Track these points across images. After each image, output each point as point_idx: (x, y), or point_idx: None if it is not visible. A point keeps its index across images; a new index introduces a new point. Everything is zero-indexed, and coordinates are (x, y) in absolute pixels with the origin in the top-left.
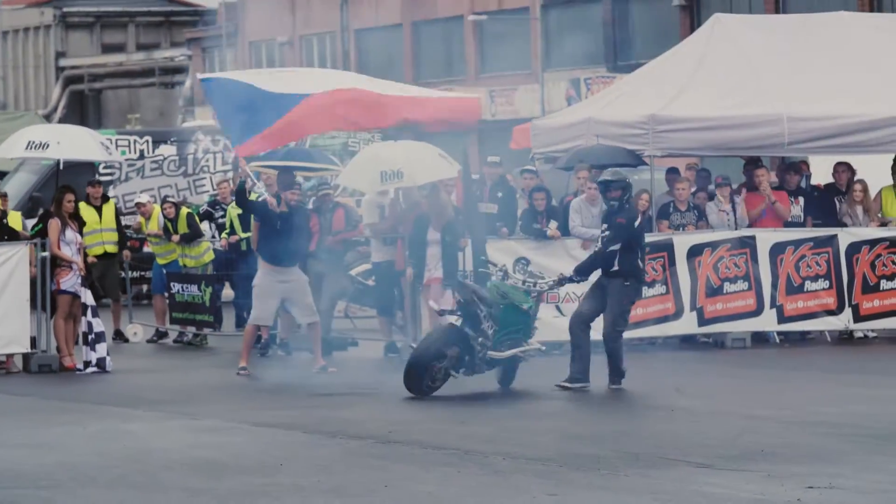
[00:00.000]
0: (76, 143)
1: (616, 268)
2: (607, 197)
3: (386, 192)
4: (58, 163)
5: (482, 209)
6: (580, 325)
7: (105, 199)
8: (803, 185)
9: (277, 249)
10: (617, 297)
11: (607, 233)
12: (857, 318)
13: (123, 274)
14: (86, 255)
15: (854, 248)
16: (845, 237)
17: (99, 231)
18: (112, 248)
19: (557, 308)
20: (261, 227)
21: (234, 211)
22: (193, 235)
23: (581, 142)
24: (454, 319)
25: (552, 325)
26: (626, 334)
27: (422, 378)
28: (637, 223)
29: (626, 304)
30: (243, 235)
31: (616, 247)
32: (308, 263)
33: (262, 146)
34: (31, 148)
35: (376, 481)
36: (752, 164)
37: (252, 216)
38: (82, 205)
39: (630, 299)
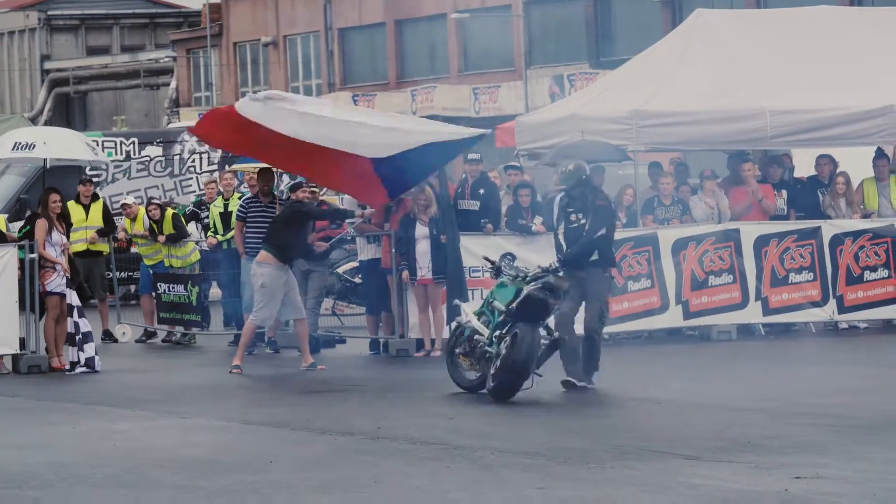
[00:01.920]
0: (62, 144)
1: (595, 257)
2: (573, 195)
3: None
4: (44, 163)
5: (463, 206)
6: (567, 325)
7: (95, 197)
8: (786, 178)
9: (292, 247)
10: (598, 287)
11: (584, 220)
12: (842, 309)
13: (111, 274)
14: (70, 256)
15: (837, 239)
16: (829, 229)
17: (83, 228)
18: (96, 247)
19: None
20: (284, 224)
21: (216, 210)
22: (179, 236)
23: (565, 138)
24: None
25: None
26: (613, 328)
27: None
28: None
29: (608, 295)
30: (222, 238)
31: (602, 232)
32: (293, 262)
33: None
34: (17, 149)
35: (365, 477)
36: (738, 157)
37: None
38: (71, 203)
39: (610, 289)
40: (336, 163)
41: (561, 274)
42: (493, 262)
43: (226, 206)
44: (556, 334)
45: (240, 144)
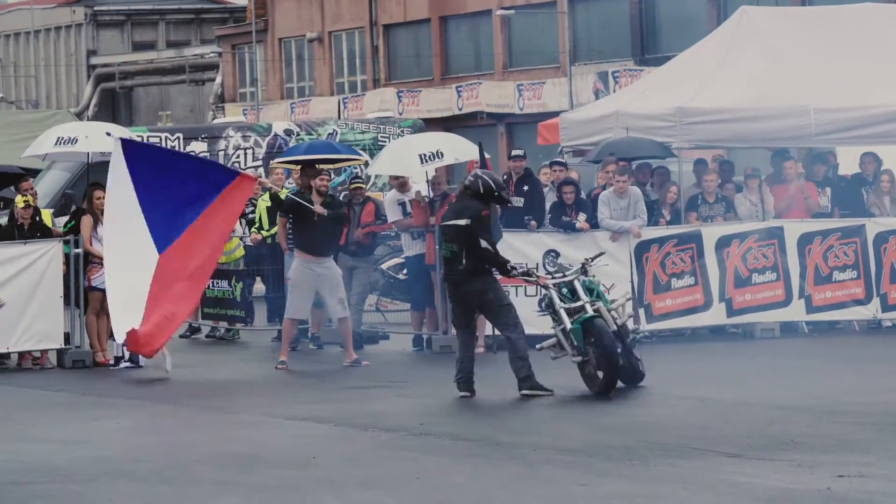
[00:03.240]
0: (104, 138)
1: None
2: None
3: (407, 188)
4: (88, 158)
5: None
6: None
7: None
8: (830, 175)
9: (313, 238)
10: None
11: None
12: (886, 307)
13: None
14: None
15: (881, 238)
16: (873, 227)
17: None
18: None
19: None
20: (295, 219)
21: (263, 204)
22: None
23: (610, 135)
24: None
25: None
26: (656, 326)
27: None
28: None
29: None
30: (267, 233)
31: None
32: (339, 257)
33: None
34: (59, 144)
35: (408, 474)
36: (781, 155)
37: (278, 212)
38: None
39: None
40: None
41: None
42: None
43: (273, 200)
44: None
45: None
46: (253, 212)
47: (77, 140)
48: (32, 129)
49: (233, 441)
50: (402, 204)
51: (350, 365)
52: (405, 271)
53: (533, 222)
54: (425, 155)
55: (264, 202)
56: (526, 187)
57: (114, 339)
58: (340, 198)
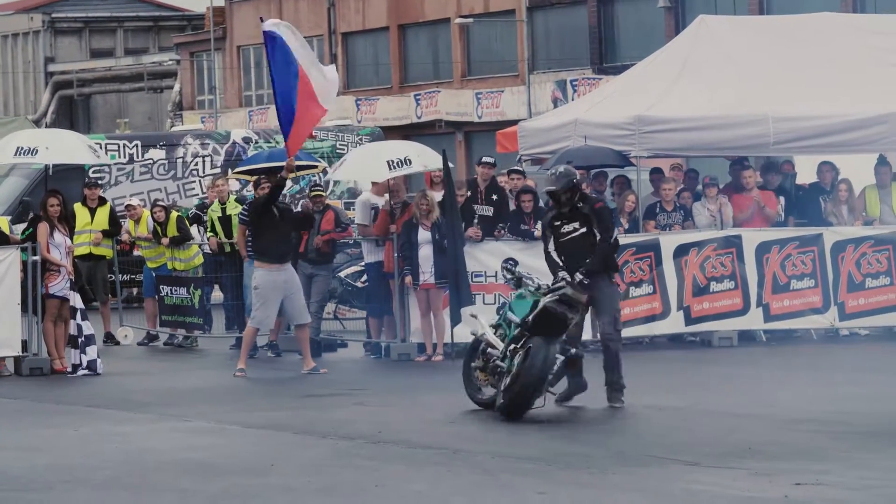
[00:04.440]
0: (64, 148)
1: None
2: (562, 201)
3: (381, 192)
4: (47, 167)
5: (479, 211)
6: (576, 340)
7: (102, 201)
8: (787, 184)
9: (278, 245)
10: (609, 293)
11: (582, 227)
12: (843, 316)
13: (113, 277)
14: (74, 258)
15: (839, 246)
16: (830, 236)
17: (87, 232)
18: (99, 251)
19: None
20: (258, 226)
21: (214, 214)
22: (183, 239)
23: (568, 143)
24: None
25: None
26: None
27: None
28: None
29: (618, 302)
30: (225, 240)
31: (616, 234)
32: (297, 265)
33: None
34: (19, 154)
35: (367, 481)
36: (739, 164)
37: (238, 217)
38: (77, 205)
39: (619, 296)
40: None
41: (580, 280)
42: (513, 273)
43: (223, 210)
44: (573, 351)
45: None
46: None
47: (37, 151)
48: None
49: (192, 449)
50: (375, 208)
51: (308, 373)
52: (364, 279)
53: (503, 231)
54: (393, 161)
55: (214, 212)
56: (495, 196)
57: (71, 347)
58: (299, 206)
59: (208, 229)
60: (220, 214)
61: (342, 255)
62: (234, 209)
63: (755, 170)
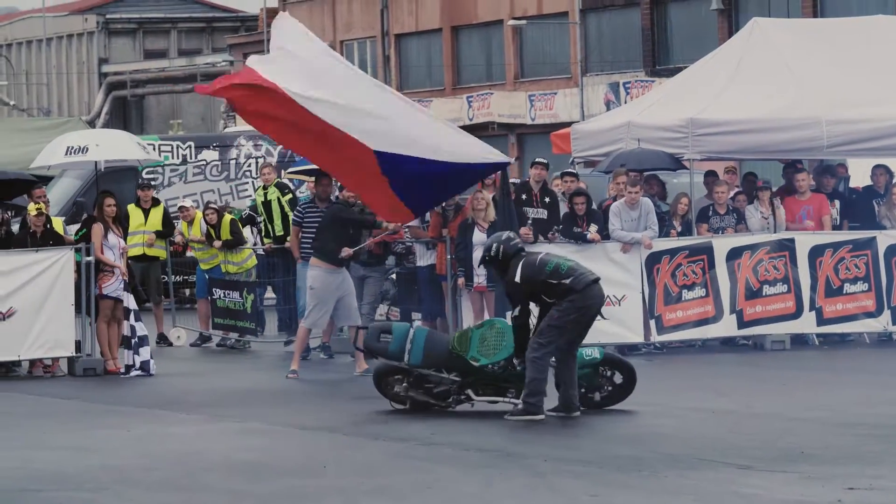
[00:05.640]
0: (114, 145)
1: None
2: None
3: None
4: (95, 166)
5: (532, 215)
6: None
7: (155, 202)
8: (840, 188)
9: (337, 248)
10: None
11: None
12: None
13: (167, 278)
14: (128, 259)
15: (893, 250)
16: (884, 239)
17: (140, 233)
18: (152, 252)
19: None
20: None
21: (258, 199)
22: (236, 242)
23: (621, 146)
24: None
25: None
26: (666, 337)
27: None
28: None
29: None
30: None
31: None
32: (350, 266)
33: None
34: (70, 153)
35: (419, 483)
36: (792, 167)
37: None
38: (130, 206)
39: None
40: (340, 149)
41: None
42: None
43: (265, 195)
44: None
45: (269, 122)
46: (263, 220)
47: (88, 149)
48: (44, 137)
49: (244, 450)
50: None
51: (361, 374)
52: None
53: (556, 233)
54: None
55: (259, 197)
56: (548, 199)
57: (124, 348)
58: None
59: (262, 231)
60: (263, 199)
61: (394, 256)
62: (273, 195)
63: (809, 173)
